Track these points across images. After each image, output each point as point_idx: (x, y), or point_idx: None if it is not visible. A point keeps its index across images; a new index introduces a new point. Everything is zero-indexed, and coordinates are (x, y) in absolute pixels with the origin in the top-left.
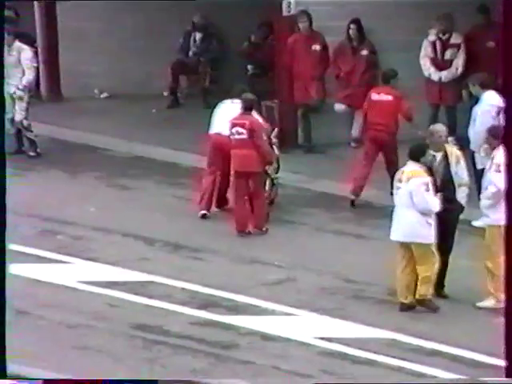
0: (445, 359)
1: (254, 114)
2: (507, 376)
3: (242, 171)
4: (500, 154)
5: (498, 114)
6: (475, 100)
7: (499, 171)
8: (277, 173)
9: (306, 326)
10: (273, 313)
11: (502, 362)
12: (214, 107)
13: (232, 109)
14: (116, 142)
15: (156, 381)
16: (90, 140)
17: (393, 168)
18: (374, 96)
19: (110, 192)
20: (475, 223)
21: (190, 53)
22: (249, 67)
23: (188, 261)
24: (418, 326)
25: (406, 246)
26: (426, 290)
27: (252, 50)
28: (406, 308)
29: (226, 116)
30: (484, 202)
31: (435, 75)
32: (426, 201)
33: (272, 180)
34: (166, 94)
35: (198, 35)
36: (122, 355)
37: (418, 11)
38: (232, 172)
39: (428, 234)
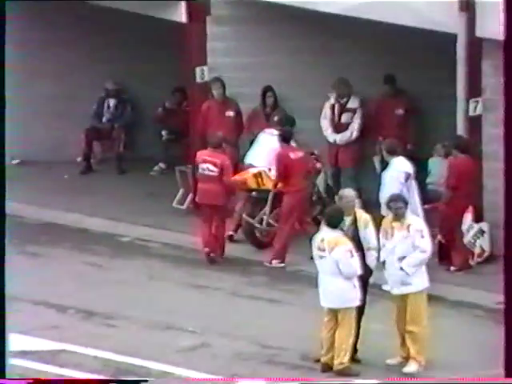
0: None
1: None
2: (507, 376)
3: (206, 204)
4: (415, 221)
5: (407, 179)
6: (385, 165)
7: (423, 236)
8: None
9: None
10: None
11: None
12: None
13: (270, 140)
14: (27, 209)
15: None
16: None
17: None
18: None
19: (19, 259)
20: (385, 287)
21: (104, 119)
22: (163, 133)
23: (100, 328)
24: None
25: (334, 310)
26: (345, 358)
27: (166, 115)
28: (329, 369)
29: (263, 148)
30: (408, 269)
31: (331, 137)
32: (352, 266)
33: None
34: (79, 159)
35: (112, 101)
36: None
37: (332, 77)
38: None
39: (355, 296)
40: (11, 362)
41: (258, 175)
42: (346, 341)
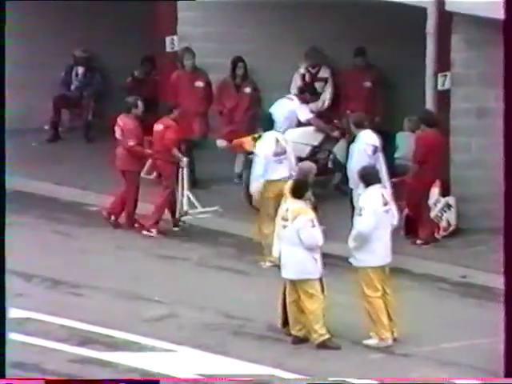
0: None
1: None
2: (507, 376)
3: (118, 169)
4: (363, 197)
5: (374, 152)
6: (352, 138)
7: (360, 214)
8: None
9: (187, 363)
10: (153, 349)
11: None
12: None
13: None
14: None
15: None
16: None
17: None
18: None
19: None
20: (351, 260)
21: (72, 87)
22: None
23: (67, 297)
24: (298, 362)
25: (294, 282)
26: (322, 329)
27: (135, 84)
28: (299, 341)
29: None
30: (349, 243)
31: None
32: (313, 236)
33: None
34: (46, 127)
35: (81, 69)
36: None
37: (301, 49)
38: None
39: (315, 269)
40: None
41: (258, 138)
42: (317, 313)
